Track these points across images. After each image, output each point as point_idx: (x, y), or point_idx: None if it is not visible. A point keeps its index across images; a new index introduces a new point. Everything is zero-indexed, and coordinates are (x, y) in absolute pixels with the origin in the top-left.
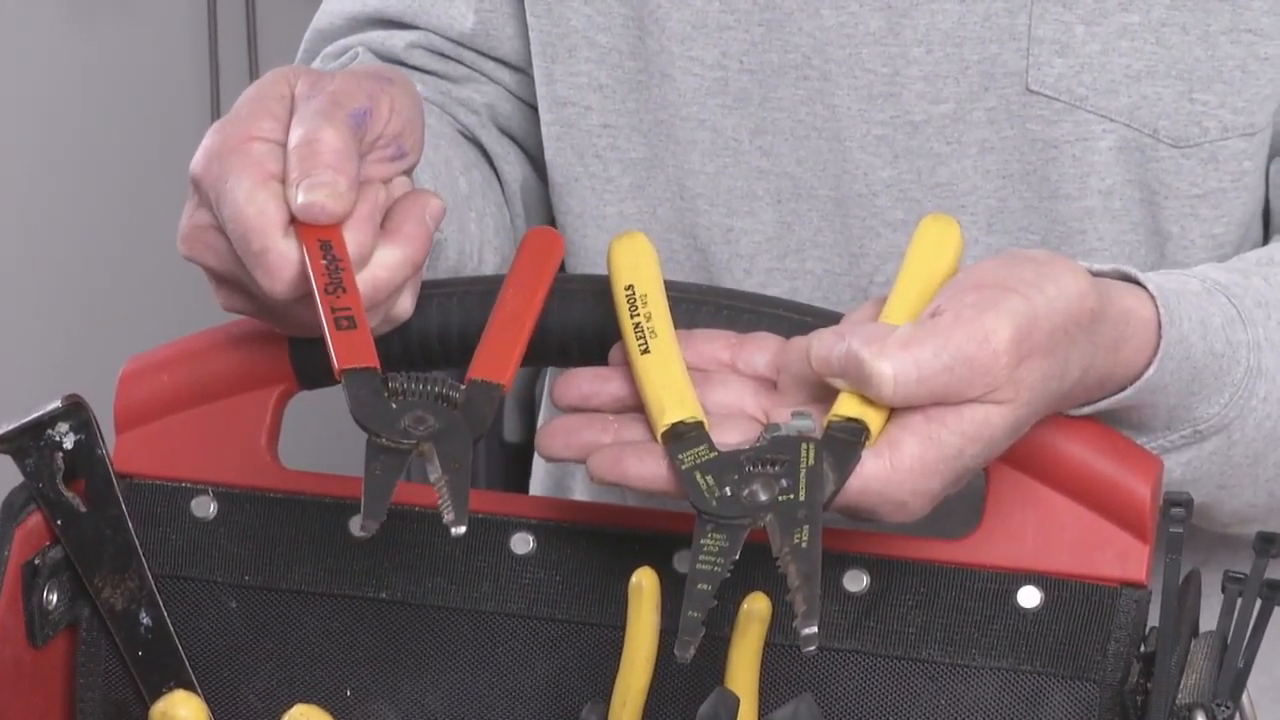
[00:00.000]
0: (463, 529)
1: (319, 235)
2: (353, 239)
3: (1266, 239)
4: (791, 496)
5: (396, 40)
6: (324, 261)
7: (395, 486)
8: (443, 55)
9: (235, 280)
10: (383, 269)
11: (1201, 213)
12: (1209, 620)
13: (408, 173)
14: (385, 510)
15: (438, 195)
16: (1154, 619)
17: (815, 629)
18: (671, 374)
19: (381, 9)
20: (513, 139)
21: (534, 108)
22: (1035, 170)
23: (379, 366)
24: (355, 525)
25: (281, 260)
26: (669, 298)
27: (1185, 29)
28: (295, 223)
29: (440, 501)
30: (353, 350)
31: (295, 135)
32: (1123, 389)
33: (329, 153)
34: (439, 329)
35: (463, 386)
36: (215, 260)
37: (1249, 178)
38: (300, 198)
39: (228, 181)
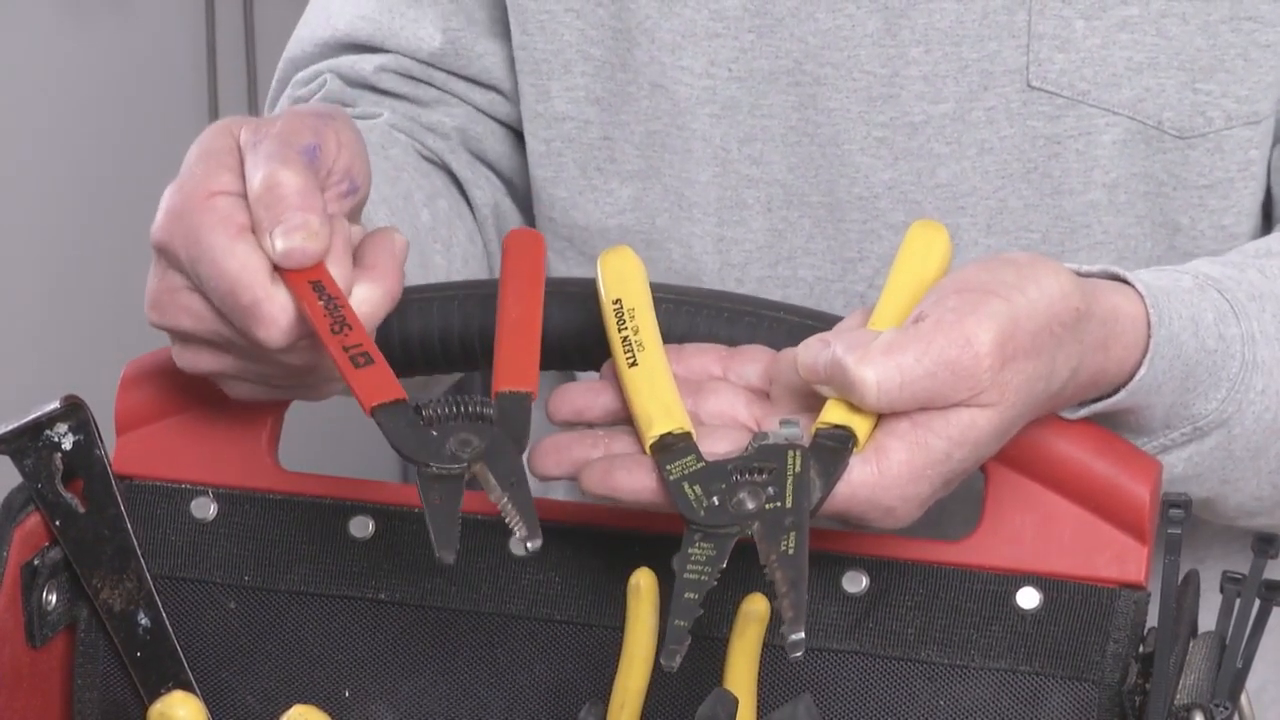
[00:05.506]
0: (539, 543)
1: (306, 277)
2: (335, 274)
3: (1267, 229)
4: (778, 504)
5: (365, 64)
6: (321, 303)
7: (459, 511)
8: (412, 78)
9: (213, 339)
10: (365, 304)
11: (1210, 203)
12: (1205, 617)
13: (359, 207)
14: (457, 538)
15: (399, 231)
16: (1152, 619)
17: (802, 635)
18: (658, 386)
19: (350, 34)
20: (485, 161)
21: (508, 127)
22: (1037, 167)
23: (406, 396)
24: (355, 527)
25: (275, 309)
26: (671, 302)
27: (1185, 19)
28: (278, 269)
29: (509, 520)
30: (377, 386)
31: (254, 182)
32: (1116, 387)
33: (293, 194)
34: (440, 332)
35: (492, 401)
36: (191, 321)
37: (1255, 166)
38: (279, 245)
39: (200, 241)
